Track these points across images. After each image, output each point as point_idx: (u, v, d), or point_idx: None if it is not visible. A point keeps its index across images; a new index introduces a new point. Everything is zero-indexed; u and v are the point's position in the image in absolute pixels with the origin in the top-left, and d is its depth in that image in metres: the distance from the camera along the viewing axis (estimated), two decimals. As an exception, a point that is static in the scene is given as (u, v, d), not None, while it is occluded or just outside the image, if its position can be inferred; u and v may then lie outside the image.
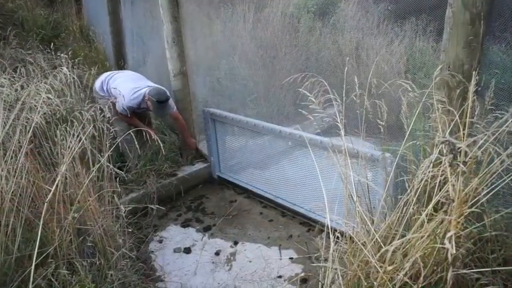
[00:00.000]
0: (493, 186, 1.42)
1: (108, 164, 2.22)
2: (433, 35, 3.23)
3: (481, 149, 1.39)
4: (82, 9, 6.61)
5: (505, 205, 1.63)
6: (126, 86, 3.15)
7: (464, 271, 1.37)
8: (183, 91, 3.45)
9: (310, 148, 2.16)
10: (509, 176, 1.41)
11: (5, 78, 2.62)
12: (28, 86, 2.51)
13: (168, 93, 3.18)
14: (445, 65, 1.75)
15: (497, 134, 1.43)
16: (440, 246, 1.28)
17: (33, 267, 1.48)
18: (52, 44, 4.11)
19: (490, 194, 1.42)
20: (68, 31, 5.46)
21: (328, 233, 1.56)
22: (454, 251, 1.05)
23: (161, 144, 2.75)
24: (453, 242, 1.07)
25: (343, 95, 1.71)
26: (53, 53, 3.88)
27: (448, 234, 1.08)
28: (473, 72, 1.62)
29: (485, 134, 1.42)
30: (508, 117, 1.44)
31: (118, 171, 2.25)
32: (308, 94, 1.69)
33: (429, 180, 1.43)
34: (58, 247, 1.89)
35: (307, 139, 2.42)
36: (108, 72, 3.39)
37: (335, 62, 3.73)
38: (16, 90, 2.58)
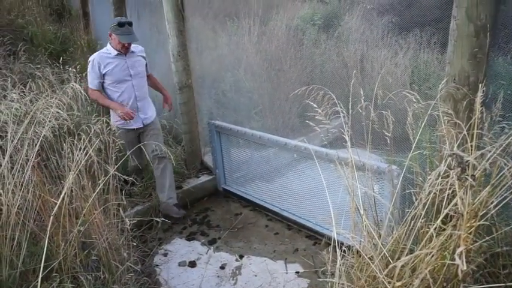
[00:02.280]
0: (502, 198, 1.40)
1: (116, 173, 2.22)
2: (438, 47, 3.23)
3: (489, 161, 1.38)
4: (90, 24, 6.75)
5: (516, 218, 1.60)
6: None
7: (475, 287, 1.34)
8: (188, 104, 3.47)
9: (316, 160, 2.15)
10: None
11: (14, 93, 2.67)
12: (37, 100, 2.55)
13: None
14: (451, 77, 1.75)
15: (505, 145, 1.42)
16: (450, 262, 1.26)
17: (39, 280, 1.48)
18: (61, 58, 4.19)
19: (500, 206, 1.40)
20: (76, 45, 5.56)
21: (335, 246, 1.54)
22: (465, 267, 1.02)
23: (171, 157, 2.75)
24: (463, 258, 1.04)
25: (349, 107, 1.70)
26: (62, 67, 3.95)
27: (458, 250, 1.05)
28: (480, 85, 1.61)
29: (493, 146, 1.40)
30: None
31: (127, 178, 2.24)
32: (315, 106, 1.70)
33: (437, 193, 1.41)
34: (63, 261, 1.89)
35: (313, 151, 2.41)
36: None
37: (340, 74, 3.74)
38: (25, 104, 2.62)
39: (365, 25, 3.87)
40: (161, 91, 3.26)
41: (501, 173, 1.40)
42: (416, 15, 3.18)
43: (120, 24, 2.78)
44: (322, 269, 2.36)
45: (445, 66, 1.82)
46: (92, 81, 2.88)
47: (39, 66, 4.05)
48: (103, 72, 2.86)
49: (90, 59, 2.88)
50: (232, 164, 3.47)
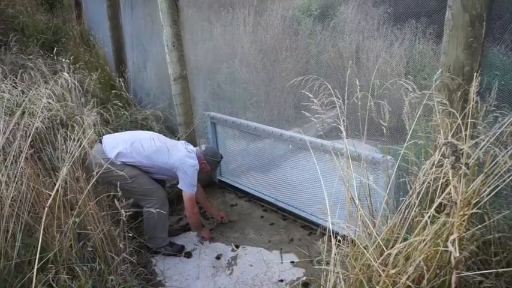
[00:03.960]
0: (494, 186, 1.42)
1: (109, 166, 2.21)
2: (433, 37, 3.23)
3: (482, 150, 1.39)
4: (82, 14, 6.65)
5: (508, 206, 1.62)
6: (176, 156, 2.57)
7: (468, 273, 1.36)
8: (183, 95, 3.45)
9: (311, 151, 2.16)
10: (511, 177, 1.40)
11: (5, 84, 2.63)
12: (29, 91, 2.52)
13: None
14: (446, 67, 1.75)
15: (497, 134, 1.43)
16: (443, 249, 1.27)
17: (35, 271, 1.48)
18: (53, 49, 4.13)
19: (492, 194, 1.41)
20: (68, 36, 5.48)
21: (330, 236, 1.55)
22: (458, 255, 1.04)
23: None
24: (456, 245, 1.06)
25: (345, 98, 1.70)
26: (56, 57, 3.89)
27: (451, 238, 1.06)
28: (474, 74, 1.61)
29: (487, 135, 1.41)
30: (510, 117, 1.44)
31: (120, 172, 2.24)
32: (311, 96, 1.69)
33: (431, 182, 1.42)
34: (58, 252, 1.89)
35: (308, 142, 2.42)
36: (117, 137, 2.58)
37: (335, 65, 3.73)
38: (17, 95, 2.59)
39: (360, 15, 3.85)
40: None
41: (494, 162, 1.41)
42: (411, 6, 3.16)
43: (219, 160, 2.85)
44: (317, 259, 2.38)
45: (440, 56, 1.82)
46: (194, 188, 2.61)
47: (31, 57, 3.99)
48: None
49: (194, 164, 2.60)
50: (228, 155, 3.47)
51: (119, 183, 2.17)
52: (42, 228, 1.60)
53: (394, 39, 3.59)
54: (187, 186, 2.58)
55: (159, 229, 2.63)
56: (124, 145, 2.47)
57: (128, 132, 2.74)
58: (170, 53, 3.31)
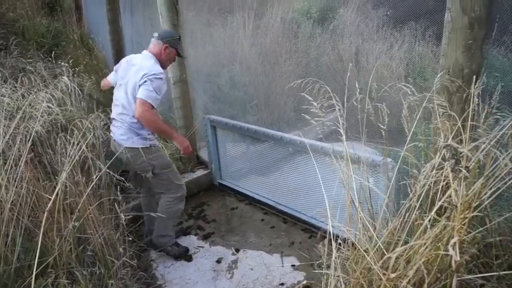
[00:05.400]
0: (495, 189, 1.41)
1: (109, 171, 2.21)
2: (433, 40, 3.23)
3: (482, 152, 1.38)
4: (82, 17, 6.67)
5: (509, 209, 1.61)
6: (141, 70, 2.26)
7: (469, 277, 1.35)
8: (183, 98, 3.45)
9: (311, 154, 2.16)
10: (512, 179, 1.39)
11: (5, 88, 2.63)
12: (29, 95, 2.52)
13: None
14: (445, 70, 1.75)
15: (498, 136, 1.43)
16: (444, 253, 1.27)
17: (33, 276, 1.47)
18: (53, 52, 4.13)
19: (493, 197, 1.41)
20: (68, 39, 5.49)
21: (330, 239, 1.54)
22: (458, 258, 1.03)
23: (166, 153, 2.71)
24: (457, 249, 1.05)
25: (345, 100, 1.70)
26: (54, 61, 3.90)
27: (452, 241, 1.06)
28: (474, 76, 1.61)
29: (487, 138, 1.41)
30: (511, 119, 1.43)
31: (118, 176, 2.23)
32: (310, 99, 1.69)
33: (431, 185, 1.41)
34: (58, 256, 1.88)
35: (308, 145, 2.41)
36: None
37: (335, 68, 3.73)
38: (17, 99, 2.59)
39: (360, 18, 3.86)
40: None
41: (495, 164, 1.41)
42: (411, 8, 3.16)
43: (179, 38, 2.52)
44: (318, 262, 2.36)
45: (440, 59, 1.82)
46: (157, 98, 2.24)
47: (31, 60, 3.99)
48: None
49: (160, 73, 2.30)
50: (228, 158, 3.47)
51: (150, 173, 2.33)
52: (42, 232, 1.60)
53: (393, 42, 3.59)
54: (149, 94, 2.16)
55: (169, 227, 2.64)
56: (122, 126, 2.35)
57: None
58: (170, 57, 3.31)
